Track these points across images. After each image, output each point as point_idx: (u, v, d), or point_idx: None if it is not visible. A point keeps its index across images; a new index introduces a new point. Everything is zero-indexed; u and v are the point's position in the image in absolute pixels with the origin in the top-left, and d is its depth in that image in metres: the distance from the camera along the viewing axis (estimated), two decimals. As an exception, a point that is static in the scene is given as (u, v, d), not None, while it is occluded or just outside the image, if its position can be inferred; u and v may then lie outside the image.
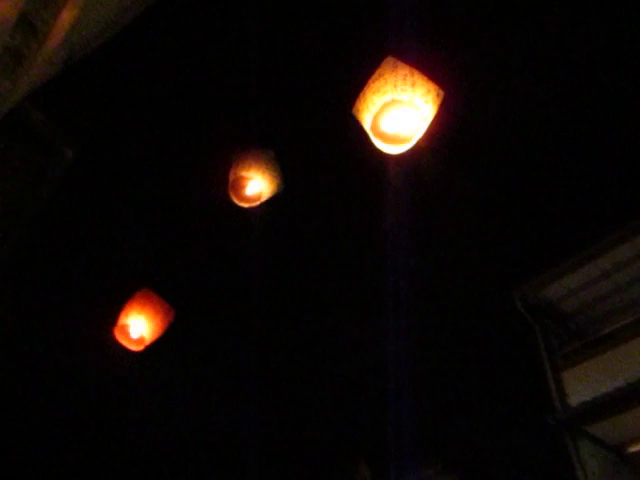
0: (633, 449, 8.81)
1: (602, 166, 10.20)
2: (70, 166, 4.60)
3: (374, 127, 3.88)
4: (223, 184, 5.28)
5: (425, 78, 3.76)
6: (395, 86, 3.68)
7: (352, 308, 12.10)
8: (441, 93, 3.81)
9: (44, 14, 3.02)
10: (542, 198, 11.01)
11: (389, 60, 3.79)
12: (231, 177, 5.19)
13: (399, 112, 3.79)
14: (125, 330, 5.56)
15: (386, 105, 3.74)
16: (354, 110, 3.91)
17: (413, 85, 3.70)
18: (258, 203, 5.28)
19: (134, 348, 5.64)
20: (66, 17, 3.53)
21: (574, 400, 8.98)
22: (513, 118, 9.35)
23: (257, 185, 5.17)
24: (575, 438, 8.78)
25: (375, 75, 3.75)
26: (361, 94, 3.83)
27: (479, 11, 7.87)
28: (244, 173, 5.10)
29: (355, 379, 12.55)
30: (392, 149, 4.00)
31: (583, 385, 8.89)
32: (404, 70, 3.73)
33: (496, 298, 11.17)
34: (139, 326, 5.53)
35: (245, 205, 5.31)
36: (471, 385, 12.18)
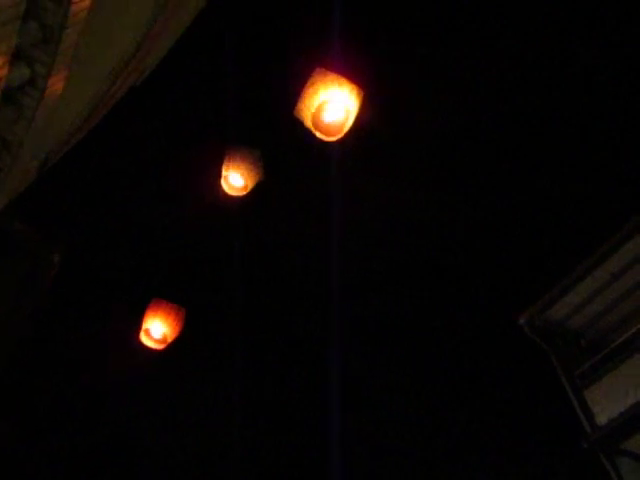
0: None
1: (579, 174, 10.36)
2: (58, 269, 4.59)
3: (314, 122, 5.00)
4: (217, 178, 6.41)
5: (348, 81, 4.89)
6: (326, 89, 4.83)
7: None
8: (361, 92, 4.91)
9: (15, 128, 3.08)
10: (524, 220, 11.12)
11: (319, 70, 4.88)
12: (223, 172, 6.35)
13: (331, 108, 4.97)
14: (148, 334, 6.70)
15: (321, 104, 4.88)
16: (296, 111, 4.97)
17: (340, 86, 4.84)
18: (245, 193, 6.44)
19: (159, 347, 6.77)
20: (38, 128, 3.60)
21: (602, 418, 8.76)
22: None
23: (243, 178, 6.37)
24: (611, 457, 8.52)
25: (309, 83, 4.86)
26: (300, 99, 4.92)
27: (397, 25, 8.57)
28: (234, 169, 6.28)
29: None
30: (330, 138, 5.13)
31: (608, 401, 8.70)
32: (331, 76, 4.86)
33: (503, 329, 11.09)
34: (159, 328, 6.65)
35: (235, 194, 6.46)
36: (495, 424, 11.86)
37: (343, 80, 4.83)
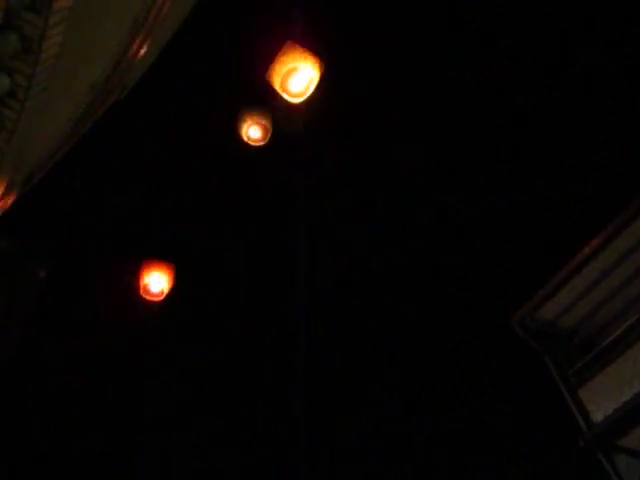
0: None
1: (579, 174, 10.41)
2: (44, 283, 4.54)
3: (282, 86, 6.07)
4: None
5: (312, 54, 5.91)
6: (294, 60, 5.86)
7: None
8: (322, 64, 5.91)
9: (-4, 141, 3.07)
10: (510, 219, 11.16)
11: (289, 43, 5.90)
12: (244, 127, 7.39)
13: (297, 76, 6.07)
14: (147, 288, 7.64)
15: (289, 71, 5.97)
16: (267, 75, 6.01)
17: (305, 59, 5.86)
18: (263, 143, 7.50)
19: (157, 299, 7.70)
20: (20, 140, 3.58)
21: (598, 416, 8.77)
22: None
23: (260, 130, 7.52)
24: (608, 455, 8.52)
25: (280, 54, 5.90)
26: (271, 66, 5.95)
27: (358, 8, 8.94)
28: (251, 123, 7.40)
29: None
30: (294, 100, 6.23)
31: (602, 399, 8.72)
32: (299, 50, 5.90)
33: (495, 331, 11.11)
34: (156, 283, 7.61)
35: (257, 144, 7.55)
36: (491, 425, 11.84)
37: (308, 52, 5.96)
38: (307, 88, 6.11)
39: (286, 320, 11.74)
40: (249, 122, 7.37)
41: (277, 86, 6.02)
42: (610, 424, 8.48)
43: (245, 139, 7.47)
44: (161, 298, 7.70)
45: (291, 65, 5.87)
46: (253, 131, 7.44)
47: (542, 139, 10.23)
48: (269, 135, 7.46)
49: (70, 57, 3.86)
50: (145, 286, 7.63)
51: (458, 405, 12.09)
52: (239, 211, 10.64)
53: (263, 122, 7.38)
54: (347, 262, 11.79)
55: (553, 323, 10.01)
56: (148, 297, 7.67)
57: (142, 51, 5.93)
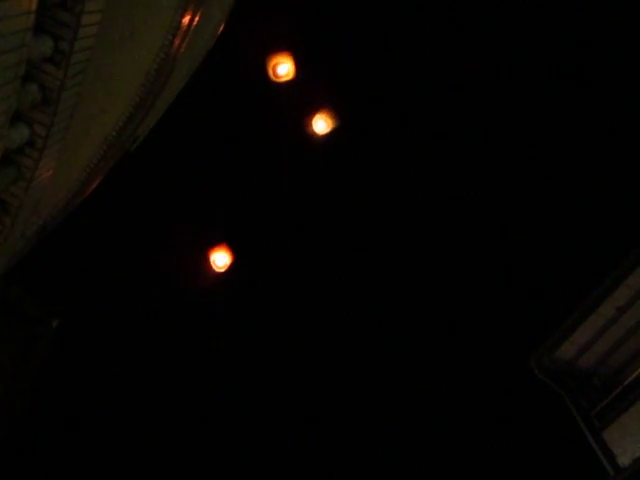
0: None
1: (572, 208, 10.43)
2: (57, 333, 4.50)
3: (272, 70, 9.97)
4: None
5: (292, 56, 9.91)
6: (282, 58, 9.92)
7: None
8: (295, 62, 9.87)
9: (14, 189, 3.10)
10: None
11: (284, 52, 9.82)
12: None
13: (282, 66, 9.96)
14: (214, 262, 10.99)
15: (276, 63, 9.93)
16: (264, 65, 9.76)
17: (286, 57, 9.84)
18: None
19: (221, 270, 10.98)
20: (36, 190, 3.62)
21: (624, 460, 8.44)
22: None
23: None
24: (639, 501, 8.15)
25: (272, 54, 9.88)
26: (269, 59, 9.80)
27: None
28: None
29: None
30: (278, 80, 9.92)
31: (628, 440, 8.40)
32: (283, 52, 9.95)
33: (513, 374, 10.90)
34: (222, 259, 10.94)
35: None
36: (517, 471, 11.44)
37: (291, 56, 9.75)
38: (286, 74, 9.82)
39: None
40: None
41: (269, 70, 9.68)
42: (638, 467, 8.14)
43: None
44: (223, 270, 10.83)
45: (277, 60, 9.69)
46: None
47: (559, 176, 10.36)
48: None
49: (86, 108, 3.94)
50: (213, 260, 10.91)
51: (477, 453, 11.73)
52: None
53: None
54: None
55: (572, 363, 9.77)
56: (215, 268, 10.80)
57: (153, 107, 6.06)
